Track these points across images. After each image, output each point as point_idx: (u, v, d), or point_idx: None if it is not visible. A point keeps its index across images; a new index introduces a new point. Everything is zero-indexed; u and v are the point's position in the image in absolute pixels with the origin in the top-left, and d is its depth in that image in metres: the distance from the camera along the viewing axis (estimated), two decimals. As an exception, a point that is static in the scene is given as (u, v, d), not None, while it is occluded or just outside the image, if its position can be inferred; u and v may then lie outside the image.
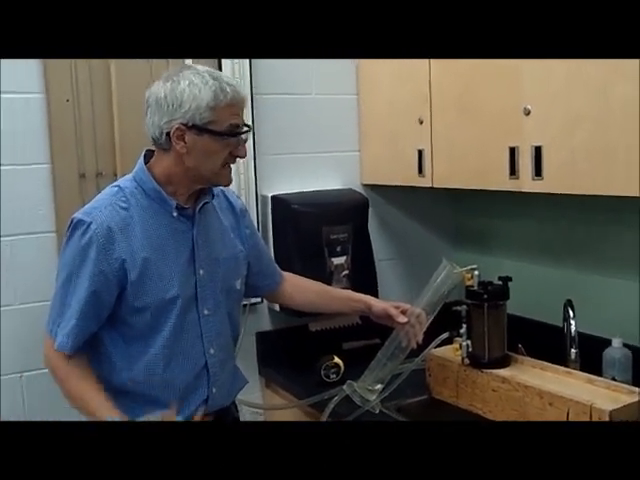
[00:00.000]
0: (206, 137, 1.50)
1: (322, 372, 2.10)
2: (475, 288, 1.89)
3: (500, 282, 1.91)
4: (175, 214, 1.58)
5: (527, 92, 1.79)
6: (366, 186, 2.53)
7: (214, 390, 1.66)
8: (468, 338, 1.90)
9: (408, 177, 2.26)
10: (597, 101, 1.61)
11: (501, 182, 1.89)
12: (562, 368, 1.84)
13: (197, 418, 1.63)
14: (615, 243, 2.06)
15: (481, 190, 2.02)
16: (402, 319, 1.75)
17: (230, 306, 1.70)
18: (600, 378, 1.78)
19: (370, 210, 2.43)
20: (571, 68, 1.65)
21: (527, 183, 1.81)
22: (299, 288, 1.90)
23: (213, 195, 1.66)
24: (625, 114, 1.55)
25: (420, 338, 1.75)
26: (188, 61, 2.09)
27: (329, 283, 2.20)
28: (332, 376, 2.10)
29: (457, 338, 1.94)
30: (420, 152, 2.19)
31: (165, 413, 1.55)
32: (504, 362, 1.89)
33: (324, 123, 2.45)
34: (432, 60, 2.09)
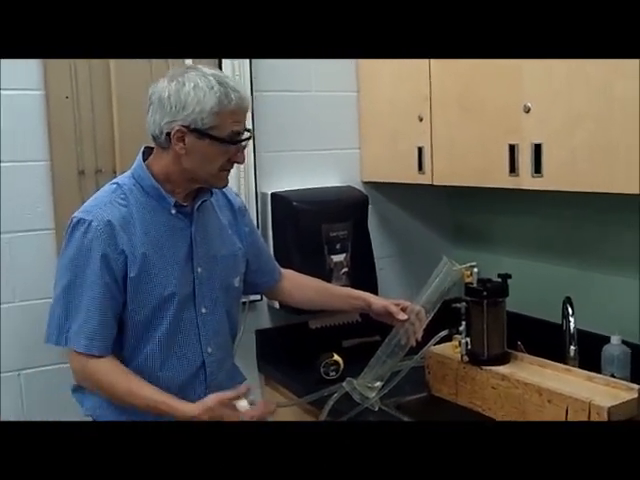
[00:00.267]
0: (206, 142, 1.50)
1: (322, 369, 2.10)
2: (474, 285, 1.90)
3: (499, 279, 1.91)
4: (173, 212, 1.58)
5: (527, 90, 1.79)
6: (366, 183, 2.53)
7: (212, 389, 1.65)
8: (467, 335, 1.90)
9: (408, 175, 2.26)
10: (598, 99, 1.61)
11: (501, 179, 1.89)
12: (561, 365, 1.85)
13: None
14: (614, 241, 2.06)
15: (481, 187, 2.02)
16: (402, 316, 1.75)
17: (228, 304, 1.70)
18: (599, 375, 1.78)
19: (370, 207, 2.43)
20: (572, 66, 1.65)
21: (527, 180, 1.81)
22: (298, 285, 1.90)
23: (212, 193, 1.66)
24: (626, 112, 1.55)
25: (420, 335, 1.76)
26: (188, 61, 2.10)
27: (329, 280, 2.20)
28: (332, 373, 2.10)
29: (456, 335, 1.94)
30: (420, 149, 2.19)
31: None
32: (503, 359, 1.89)
33: (324, 120, 2.45)
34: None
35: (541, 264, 2.31)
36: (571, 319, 1.97)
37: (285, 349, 2.38)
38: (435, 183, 2.17)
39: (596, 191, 1.67)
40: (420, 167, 2.19)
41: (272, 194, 2.32)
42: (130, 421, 1.52)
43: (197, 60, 1.89)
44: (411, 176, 2.24)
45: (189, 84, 1.48)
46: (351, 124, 2.51)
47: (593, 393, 1.64)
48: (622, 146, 1.57)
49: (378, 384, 1.82)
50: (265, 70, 2.29)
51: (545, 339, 1.99)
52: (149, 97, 1.54)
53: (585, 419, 1.58)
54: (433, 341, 1.93)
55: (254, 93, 2.25)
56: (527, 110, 1.79)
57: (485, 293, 1.88)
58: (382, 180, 2.47)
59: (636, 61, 1.50)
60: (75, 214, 1.54)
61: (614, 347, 1.93)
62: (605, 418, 1.55)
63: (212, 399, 1.51)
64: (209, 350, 1.64)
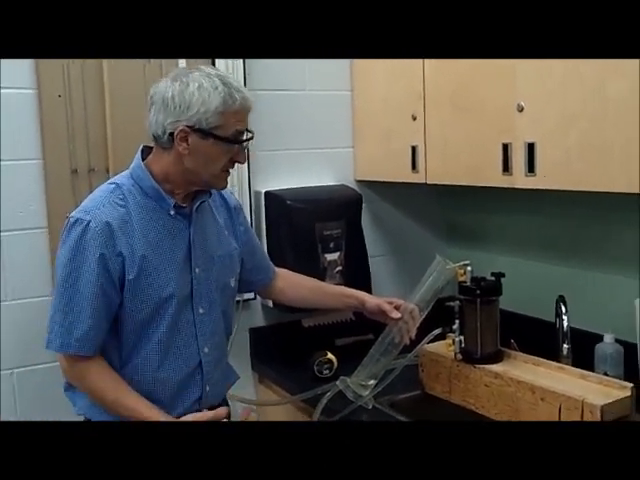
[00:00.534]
0: (210, 141, 1.49)
1: (315, 368, 2.10)
2: (468, 284, 1.90)
3: (493, 278, 1.92)
4: (172, 213, 1.57)
5: (521, 89, 1.79)
6: (360, 182, 2.53)
7: (208, 388, 1.66)
8: (461, 334, 1.90)
9: (402, 173, 2.26)
10: (591, 99, 1.62)
11: (494, 178, 1.89)
12: (554, 363, 1.85)
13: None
14: (607, 239, 2.07)
15: (474, 186, 2.03)
16: (395, 315, 1.75)
17: (224, 304, 1.70)
18: (592, 373, 1.79)
19: (364, 206, 2.43)
20: (566, 66, 1.65)
21: (520, 179, 1.82)
22: (292, 284, 1.90)
23: (210, 194, 1.66)
24: (619, 112, 1.56)
25: (413, 334, 1.76)
26: (182, 60, 2.11)
27: (322, 279, 2.20)
28: (325, 372, 2.10)
29: (450, 334, 1.95)
30: (414, 148, 2.19)
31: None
32: (497, 357, 1.89)
33: (318, 119, 2.45)
34: (425, 56, 2.09)
35: (534, 263, 2.32)
36: (564, 317, 1.98)
37: (279, 347, 2.38)
38: (429, 182, 2.17)
39: (589, 190, 1.67)
40: (414, 166, 2.20)
41: (266, 192, 2.32)
42: (124, 421, 1.51)
43: (191, 60, 1.90)
44: (405, 175, 2.25)
45: (193, 84, 1.47)
46: (345, 123, 2.51)
47: (586, 391, 1.65)
48: (616, 145, 1.58)
49: (372, 382, 1.82)
50: (259, 69, 2.29)
51: (538, 337, 2.00)
52: (150, 97, 1.53)
53: (578, 417, 1.59)
54: (427, 339, 1.93)
55: (248, 92, 2.25)
56: (521, 109, 1.79)
57: (478, 292, 1.88)
58: (376, 179, 2.47)
59: (630, 61, 1.51)
60: (73, 214, 1.52)
61: (607, 345, 1.93)
62: (598, 416, 1.55)
63: (191, 419, 1.55)
64: (205, 350, 1.64)
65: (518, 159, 1.81)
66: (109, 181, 1.60)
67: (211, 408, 1.68)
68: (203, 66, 1.55)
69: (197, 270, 1.60)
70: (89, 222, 1.48)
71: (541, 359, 1.87)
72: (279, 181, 2.36)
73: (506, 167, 1.85)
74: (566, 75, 1.66)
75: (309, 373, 2.10)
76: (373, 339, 1.83)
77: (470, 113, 1.97)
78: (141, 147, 1.61)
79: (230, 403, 1.89)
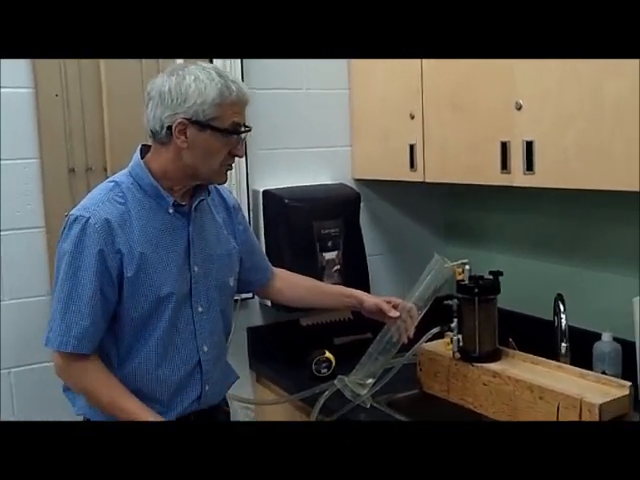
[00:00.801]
0: (208, 133, 1.49)
1: (313, 367, 2.10)
2: (466, 282, 1.90)
3: (491, 276, 1.92)
4: (171, 211, 1.57)
5: (519, 87, 1.79)
6: (358, 181, 2.53)
7: (207, 387, 1.65)
8: (459, 332, 1.90)
9: (400, 172, 2.26)
10: (589, 97, 1.62)
11: (492, 177, 1.89)
12: (552, 362, 1.85)
13: None
14: (605, 238, 2.07)
15: (472, 185, 2.02)
16: (393, 314, 1.75)
17: (223, 303, 1.69)
18: (590, 372, 1.79)
19: (362, 205, 2.42)
20: (564, 65, 1.65)
21: (518, 178, 1.81)
22: (289, 284, 1.90)
23: (209, 192, 1.65)
24: (617, 110, 1.56)
25: (411, 333, 1.75)
26: (179, 60, 2.10)
27: (320, 278, 2.20)
28: (323, 371, 2.10)
29: (448, 332, 1.95)
30: (412, 147, 2.19)
31: None
32: (495, 356, 1.89)
33: (316, 118, 2.45)
34: (423, 55, 2.09)
35: (533, 261, 2.32)
36: (562, 316, 1.98)
37: (277, 346, 2.38)
38: (427, 180, 2.17)
39: (588, 188, 1.67)
40: (412, 164, 2.19)
41: (264, 191, 2.32)
42: (123, 421, 1.51)
43: (188, 60, 1.89)
44: (403, 173, 2.24)
45: (189, 77, 1.48)
46: (343, 122, 2.50)
47: (584, 390, 1.65)
48: (614, 144, 1.57)
49: (370, 381, 1.82)
50: (256, 68, 2.29)
51: (536, 336, 1.99)
52: (147, 93, 1.53)
53: (576, 416, 1.59)
54: (425, 338, 1.93)
55: (246, 91, 2.24)
56: (519, 107, 1.79)
57: (477, 290, 1.88)
58: (374, 177, 2.47)
59: (628, 60, 1.50)
60: (72, 211, 1.52)
61: (605, 344, 1.93)
62: (596, 415, 1.55)
63: None
64: (205, 349, 1.63)
65: (516, 157, 1.81)
66: (108, 179, 1.60)
67: (211, 407, 1.68)
68: (199, 61, 1.55)
69: (196, 269, 1.60)
70: (88, 219, 1.48)
71: (539, 358, 1.87)
72: (277, 180, 2.36)
73: (504, 165, 1.84)
74: (564, 73, 1.66)
75: (307, 372, 2.10)
76: (371, 338, 1.82)
77: (468, 111, 1.97)
78: (140, 146, 1.61)
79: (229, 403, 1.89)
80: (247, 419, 2.37)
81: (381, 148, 2.37)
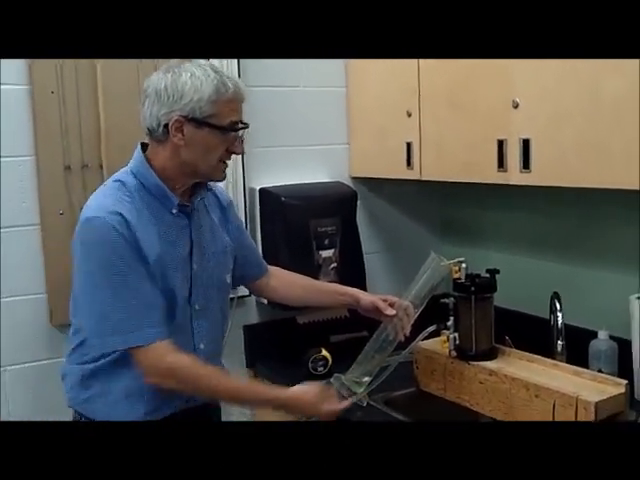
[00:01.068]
0: (205, 130, 1.49)
1: (310, 365, 2.10)
2: (462, 281, 1.90)
3: (487, 275, 1.92)
4: (175, 211, 1.56)
5: (516, 85, 1.79)
6: (354, 179, 2.53)
7: None
8: (455, 330, 1.90)
9: (396, 170, 2.26)
10: (586, 95, 1.62)
11: (489, 175, 1.89)
12: (549, 360, 1.85)
13: None
14: (602, 236, 2.07)
15: (469, 183, 2.02)
16: (390, 312, 1.75)
17: (220, 300, 1.69)
18: (586, 370, 1.79)
19: (358, 203, 2.42)
20: (561, 63, 1.65)
21: (515, 176, 1.81)
22: (285, 283, 1.89)
23: (208, 189, 1.65)
24: (614, 108, 1.56)
25: (408, 331, 1.75)
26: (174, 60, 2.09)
27: (317, 276, 2.20)
28: (320, 369, 2.10)
29: (444, 331, 1.95)
30: (408, 145, 2.19)
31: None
32: (491, 354, 1.89)
33: (313, 116, 2.44)
34: (420, 52, 2.09)
35: (529, 259, 2.32)
36: (559, 314, 1.98)
37: (273, 344, 2.37)
38: (423, 178, 2.16)
39: (584, 186, 1.67)
40: (409, 162, 2.19)
41: (260, 189, 2.31)
42: (116, 421, 1.52)
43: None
44: (400, 171, 2.24)
45: (186, 74, 1.47)
46: (340, 120, 2.50)
47: (580, 388, 1.65)
48: (610, 142, 1.58)
49: (366, 379, 1.82)
50: (254, 65, 2.28)
51: (533, 334, 1.99)
52: (144, 90, 1.53)
53: (572, 414, 1.59)
54: (421, 336, 1.92)
55: (242, 88, 2.24)
56: (516, 105, 1.79)
57: (473, 288, 1.88)
58: (371, 175, 2.47)
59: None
60: (84, 215, 1.48)
61: (601, 342, 1.93)
62: (592, 413, 1.56)
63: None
64: (201, 346, 1.63)
65: (513, 155, 1.80)
66: (113, 178, 1.57)
67: (204, 405, 1.68)
68: (195, 59, 1.54)
69: (195, 267, 1.60)
70: (104, 218, 1.45)
71: (535, 356, 1.87)
72: (274, 178, 2.35)
73: (501, 163, 1.84)
74: (561, 72, 1.66)
75: (304, 370, 2.10)
76: (368, 336, 1.82)
77: (465, 109, 1.97)
78: (139, 144, 1.59)
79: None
80: (243, 417, 2.37)
81: (378, 146, 2.36)
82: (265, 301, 2.26)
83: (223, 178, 1.61)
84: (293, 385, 1.73)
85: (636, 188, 1.53)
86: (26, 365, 2.05)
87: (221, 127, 1.49)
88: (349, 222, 2.36)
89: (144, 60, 2.07)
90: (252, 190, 2.33)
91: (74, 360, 1.61)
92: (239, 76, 2.21)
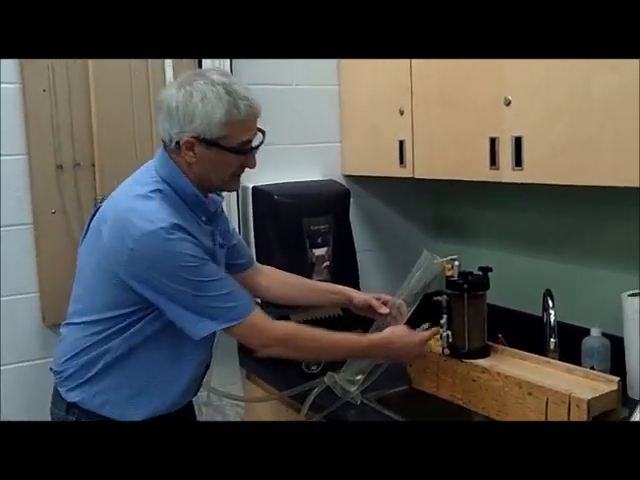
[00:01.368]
0: (215, 151, 1.49)
1: (303, 363, 2.09)
2: (455, 278, 1.89)
3: (480, 272, 1.92)
4: (204, 218, 1.57)
5: (508, 83, 1.79)
6: (347, 177, 2.53)
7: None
8: (448, 328, 1.90)
9: (389, 168, 2.26)
10: (577, 93, 1.62)
11: (481, 172, 1.89)
12: (541, 358, 1.85)
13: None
14: (594, 233, 2.07)
15: (462, 180, 2.02)
16: (383, 310, 1.76)
17: None
18: (579, 367, 1.79)
19: (351, 201, 2.42)
20: (552, 60, 1.65)
21: (507, 173, 1.82)
22: (278, 281, 1.89)
23: (222, 198, 1.70)
24: (606, 105, 1.56)
25: (401, 329, 1.75)
26: (168, 60, 2.10)
27: (310, 274, 2.20)
28: (313, 367, 2.09)
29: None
30: (401, 143, 2.19)
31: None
32: (484, 352, 1.89)
33: (305, 114, 2.44)
34: (412, 50, 2.08)
35: (521, 257, 2.32)
36: (551, 312, 1.98)
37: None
38: (416, 176, 2.17)
39: (576, 184, 1.67)
40: (401, 160, 2.19)
41: (253, 188, 2.31)
42: (111, 421, 1.53)
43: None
44: (392, 169, 2.24)
45: (197, 95, 1.46)
46: (332, 118, 2.50)
47: (573, 385, 1.65)
48: (602, 139, 1.58)
49: (359, 378, 1.82)
50: (246, 63, 2.28)
51: (525, 332, 2.00)
52: (158, 103, 1.53)
53: (565, 411, 1.59)
54: (414, 334, 1.92)
55: (234, 86, 2.23)
56: (507, 103, 1.79)
57: (466, 286, 1.88)
58: (363, 173, 2.47)
59: (616, 55, 1.51)
60: (148, 228, 1.43)
61: (594, 339, 1.94)
62: (585, 410, 1.56)
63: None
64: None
65: (505, 153, 1.81)
66: (150, 187, 1.51)
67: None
68: (209, 71, 1.54)
69: None
70: (163, 227, 1.44)
71: (528, 353, 1.87)
72: (266, 176, 2.34)
73: (493, 161, 1.85)
74: (553, 69, 1.66)
75: (297, 369, 2.09)
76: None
77: (457, 107, 1.97)
78: (161, 149, 1.57)
79: (217, 399, 1.90)
80: (237, 416, 2.37)
81: (371, 144, 2.36)
82: (258, 300, 2.25)
83: (237, 189, 1.66)
84: (288, 386, 1.74)
85: (628, 185, 1.54)
86: (19, 365, 2.04)
87: (231, 148, 1.50)
88: (342, 220, 2.36)
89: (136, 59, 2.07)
90: (245, 188, 2.32)
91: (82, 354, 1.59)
92: (231, 72, 2.20)
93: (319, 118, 2.47)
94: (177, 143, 1.49)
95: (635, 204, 1.87)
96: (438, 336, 1.90)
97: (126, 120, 2.10)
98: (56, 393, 1.62)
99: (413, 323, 1.84)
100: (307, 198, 2.31)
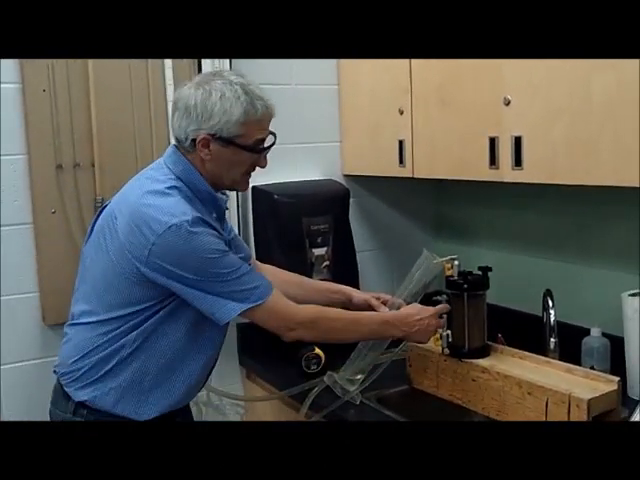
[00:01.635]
0: (230, 149, 1.52)
1: (303, 363, 2.09)
2: (455, 278, 1.89)
3: (480, 272, 1.92)
4: (214, 215, 1.59)
5: (508, 83, 1.79)
6: (347, 177, 2.52)
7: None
8: (448, 328, 1.90)
9: (389, 167, 2.26)
10: (577, 92, 1.62)
11: (481, 172, 1.89)
12: (541, 357, 1.85)
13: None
14: (594, 233, 2.07)
15: (462, 180, 2.03)
16: (383, 310, 1.76)
17: None
18: (579, 367, 1.79)
19: (351, 201, 2.42)
20: (551, 60, 1.65)
21: (507, 173, 1.82)
22: (277, 280, 1.88)
23: (228, 197, 1.71)
24: (606, 105, 1.56)
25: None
26: (168, 60, 2.09)
27: (310, 274, 2.20)
28: (313, 367, 2.09)
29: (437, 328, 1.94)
30: (401, 142, 2.19)
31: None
32: (484, 352, 1.89)
33: (305, 114, 2.44)
34: (412, 50, 2.08)
35: (521, 257, 2.32)
36: (551, 311, 1.98)
37: (266, 343, 2.36)
38: (416, 176, 2.16)
39: (576, 184, 1.67)
40: (401, 160, 2.19)
41: (253, 187, 2.31)
42: (109, 421, 1.53)
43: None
44: (392, 169, 2.24)
45: (216, 94, 1.49)
46: (332, 117, 2.50)
47: (573, 385, 1.65)
48: (602, 139, 1.58)
49: (359, 377, 1.82)
50: (245, 63, 2.27)
51: (525, 331, 2.00)
52: (174, 102, 1.55)
53: (565, 411, 1.59)
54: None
55: (234, 86, 2.23)
56: (507, 103, 1.79)
57: (466, 286, 1.88)
58: (363, 173, 2.47)
59: (615, 54, 1.51)
60: (171, 221, 1.44)
61: (594, 339, 1.94)
62: (585, 410, 1.56)
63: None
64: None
65: (505, 153, 1.81)
66: (166, 184, 1.52)
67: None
68: (225, 71, 1.59)
69: None
70: (186, 220, 1.45)
71: (528, 353, 1.87)
72: (266, 176, 2.33)
73: (493, 161, 1.84)
74: (552, 69, 1.66)
75: (297, 368, 2.10)
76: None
77: (457, 107, 1.97)
78: (173, 147, 1.59)
79: (217, 399, 1.90)
80: (237, 416, 2.37)
81: (370, 144, 2.36)
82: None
83: (246, 189, 1.67)
84: (288, 385, 1.74)
85: (628, 185, 1.54)
86: (19, 365, 2.04)
87: (247, 147, 1.53)
88: (342, 220, 2.36)
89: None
90: (245, 188, 2.32)
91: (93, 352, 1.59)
92: (231, 72, 2.21)
93: (319, 118, 2.47)
94: (193, 141, 1.52)
95: (635, 204, 1.87)
96: (438, 336, 1.91)
97: (126, 120, 2.10)
98: (59, 394, 1.61)
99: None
100: (307, 198, 2.31)
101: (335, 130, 2.51)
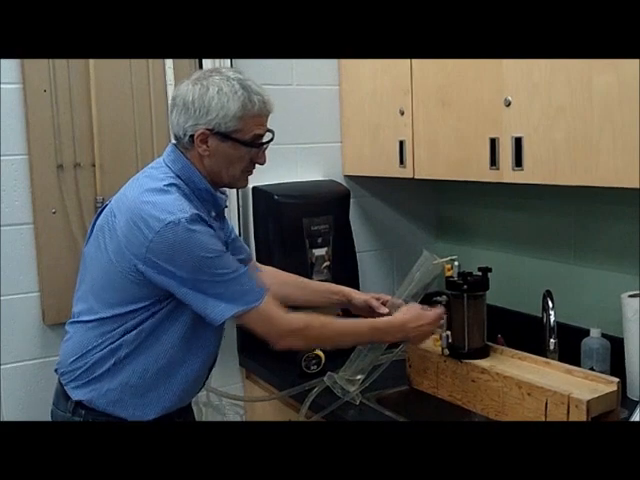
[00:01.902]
0: (228, 144, 1.53)
1: (303, 363, 2.09)
2: (455, 279, 1.90)
3: (480, 273, 1.92)
4: (214, 214, 1.59)
5: (508, 83, 1.79)
6: (347, 177, 2.53)
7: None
8: (448, 329, 1.90)
9: (389, 168, 2.26)
10: (577, 93, 1.62)
11: (482, 173, 1.89)
12: (541, 358, 1.85)
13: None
14: (594, 234, 2.07)
15: (462, 181, 2.03)
16: (383, 310, 1.76)
17: None
18: (578, 368, 1.79)
19: (351, 201, 2.42)
20: (552, 61, 1.65)
21: (507, 174, 1.82)
22: (277, 281, 1.89)
23: (227, 196, 1.70)
24: (606, 105, 1.56)
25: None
26: (168, 60, 2.09)
27: (310, 274, 2.20)
28: (313, 367, 2.10)
29: (437, 329, 1.94)
30: (401, 143, 2.19)
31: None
32: (484, 352, 1.89)
33: (305, 114, 2.44)
34: (413, 51, 2.08)
35: (521, 257, 2.32)
36: (551, 312, 1.98)
37: (266, 343, 2.36)
38: (416, 177, 2.17)
39: (576, 185, 1.67)
40: (401, 161, 2.19)
41: (253, 188, 2.31)
42: (108, 421, 1.53)
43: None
44: (392, 170, 2.24)
45: (213, 88, 1.50)
46: (333, 118, 2.50)
47: (572, 386, 1.65)
48: (602, 140, 1.58)
49: (359, 378, 1.82)
50: (246, 63, 2.27)
51: (525, 332, 2.00)
52: (172, 99, 1.57)
53: (564, 412, 1.59)
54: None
55: (235, 86, 2.23)
56: (508, 104, 1.79)
57: (465, 286, 1.88)
58: (364, 174, 2.47)
59: (615, 55, 1.51)
60: (169, 218, 1.44)
61: (593, 340, 1.94)
62: (584, 411, 1.56)
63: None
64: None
65: (505, 154, 1.81)
66: (164, 182, 1.52)
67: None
68: (223, 68, 1.59)
69: None
70: (184, 217, 1.45)
71: (528, 354, 1.87)
72: (267, 176, 2.34)
73: (493, 162, 1.85)
74: (553, 69, 1.66)
75: (296, 369, 2.10)
76: (360, 334, 1.82)
77: (457, 108, 1.97)
78: (172, 146, 1.60)
79: (217, 399, 1.90)
80: (237, 416, 2.37)
81: (371, 144, 2.36)
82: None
83: (245, 186, 1.67)
84: (288, 385, 1.73)
85: (627, 186, 1.54)
86: (19, 364, 2.04)
87: (245, 141, 1.53)
88: (342, 220, 2.36)
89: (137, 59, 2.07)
90: (245, 188, 2.32)
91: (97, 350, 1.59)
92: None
93: (319, 118, 2.47)
94: (191, 137, 1.52)
95: (635, 204, 1.87)
96: (438, 336, 1.91)
97: (126, 120, 2.10)
98: (60, 394, 1.61)
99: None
100: (307, 198, 2.31)
101: (336, 131, 2.51)
